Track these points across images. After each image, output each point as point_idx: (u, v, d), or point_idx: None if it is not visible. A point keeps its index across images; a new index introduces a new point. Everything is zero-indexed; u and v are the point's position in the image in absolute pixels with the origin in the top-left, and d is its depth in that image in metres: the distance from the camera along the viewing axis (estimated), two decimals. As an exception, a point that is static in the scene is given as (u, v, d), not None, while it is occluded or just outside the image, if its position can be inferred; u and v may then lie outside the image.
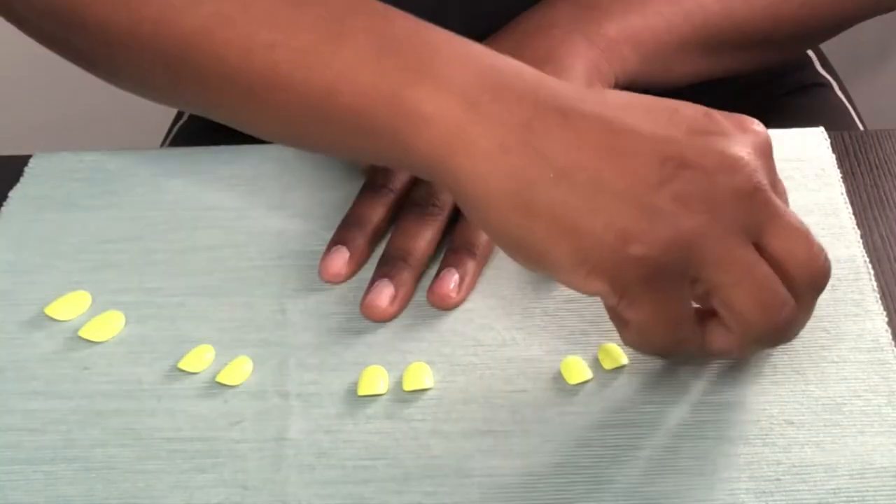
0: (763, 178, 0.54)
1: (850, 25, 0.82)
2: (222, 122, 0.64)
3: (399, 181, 0.67)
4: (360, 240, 0.65)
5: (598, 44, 0.73)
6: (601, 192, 0.52)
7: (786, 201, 0.56)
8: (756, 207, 0.53)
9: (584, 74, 0.72)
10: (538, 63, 0.71)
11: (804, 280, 0.55)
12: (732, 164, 0.53)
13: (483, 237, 0.64)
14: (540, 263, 0.55)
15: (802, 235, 0.54)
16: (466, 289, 0.63)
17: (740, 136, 0.54)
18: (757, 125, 0.56)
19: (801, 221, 0.55)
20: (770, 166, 0.55)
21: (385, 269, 0.63)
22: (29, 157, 0.74)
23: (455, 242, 0.65)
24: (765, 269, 0.53)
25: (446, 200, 0.66)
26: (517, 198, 0.53)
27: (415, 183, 0.67)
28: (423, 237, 0.64)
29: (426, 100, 0.55)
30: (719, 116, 0.55)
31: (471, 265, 0.64)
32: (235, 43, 0.59)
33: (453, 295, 0.63)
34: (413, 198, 0.66)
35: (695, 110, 0.55)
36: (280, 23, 0.59)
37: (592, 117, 0.54)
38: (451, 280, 0.63)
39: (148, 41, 0.61)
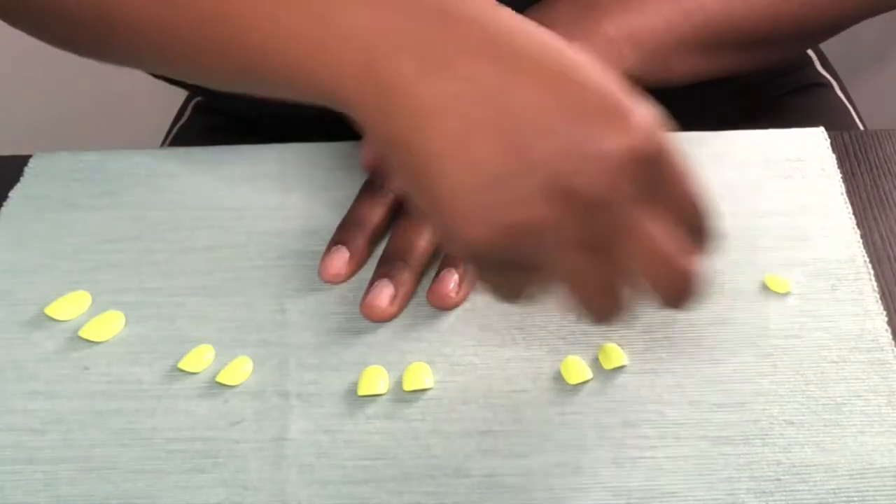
0: (619, 197, 0.50)
1: (851, 25, 0.82)
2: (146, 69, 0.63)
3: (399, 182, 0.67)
4: (360, 240, 0.65)
5: (597, 42, 0.73)
6: (454, 163, 0.50)
7: (676, 204, 0.52)
8: (604, 225, 0.50)
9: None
10: None
11: (656, 300, 0.52)
12: (588, 179, 0.49)
13: None
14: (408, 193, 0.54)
15: (655, 261, 0.51)
16: (466, 288, 0.63)
17: (614, 141, 0.50)
18: (639, 122, 0.50)
19: (663, 244, 0.51)
20: (642, 174, 0.50)
21: (385, 269, 0.63)
22: (29, 157, 0.74)
23: None
24: (599, 275, 0.51)
25: None
26: (394, 139, 0.52)
27: None
28: (423, 237, 0.64)
29: (329, 44, 0.53)
30: (602, 111, 0.50)
31: None
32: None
33: (453, 295, 0.63)
34: None
35: (595, 96, 0.51)
36: None
37: (478, 76, 0.51)
38: (451, 280, 0.63)
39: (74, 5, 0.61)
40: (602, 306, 0.52)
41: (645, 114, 0.51)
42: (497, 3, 0.54)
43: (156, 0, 0.58)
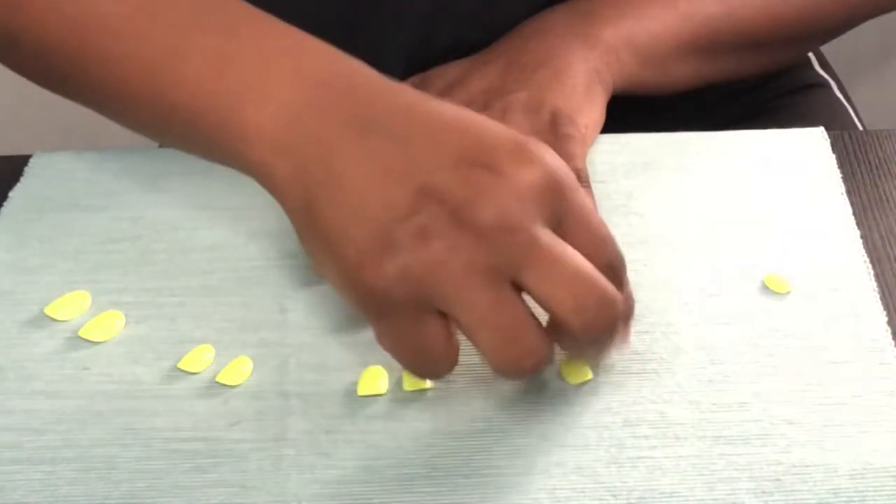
0: (524, 219, 0.50)
1: (852, 27, 0.82)
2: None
3: None
4: None
5: (595, 48, 0.73)
6: (358, 215, 0.51)
7: (583, 238, 0.52)
8: (510, 249, 0.50)
9: (583, 75, 0.72)
10: (537, 65, 0.72)
11: (573, 328, 0.51)
12: (488, 202, 0.50)
13: None
14: (322, 276, 0.55)
15: (569, 282, 0.50)
16: None
17: (515, 171, 0.50)
18: (543, 157, 0.51)
19: (577, 265, 0.51)
20: (548, 204, 0.51)
21: None
22: (29, 157, 0.74)
23: None
24: (511, 312, 0.51)
25: None
26: (305, 214, 0.53)
27: None
28: None
29: (250, 119, 0.55)
30: (502, 147, 0.51)
31: None
32: (93, 54, 0.61)
33: None
34: None
35: (485, 137, 0.52)
36: (134, 34, 0.60)
37: (385, 136, 0.53)
38: None
39: (19, 41, 0.64)
40: (511, 354, 0.52)
41: (548, 151, 0.51)
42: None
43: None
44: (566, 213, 0.52)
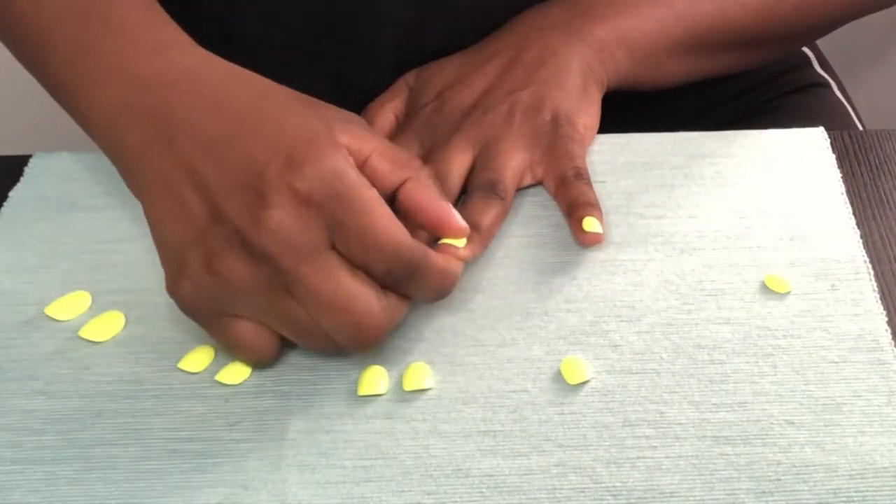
0: (283, 248, 0.54)
1: (843, 24, 0.83)
2: None
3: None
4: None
5: (591, 45, 0.74)
6: (162, 238, 0.57)
7: (356, 250, 0.55)
8: (276, 273, 0.55)
9: (580, 74, 0.72)
10: (536, 64, 0.72)
11: (339, 344, 0.57)
12: (255, 231, 0.54)
13: (487, 219, 0.65)
14: None
15: (322, 309, 0.55)
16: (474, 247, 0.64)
17: (281, 195, 0.54)
18: (312, 170, 0.54)
19: (331, 290, 0.55)
20: (316, 219, 0.54)
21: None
22: (29, 157, 0.74)
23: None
24: (291, 311, 0.56)
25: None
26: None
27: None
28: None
29: (87, 107, 0.63)
30: (272, 164, 0.54)
31: (475, 244, 0.64)
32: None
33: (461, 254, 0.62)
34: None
35: (259, 153, 0.55)
36: (35, 26, 0.66)
37: (192, 145, 0.56)
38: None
39: None
40: (314, 344, 0.57)
41: (321, 157, 0.54)
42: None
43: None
44: (338, 224, 0.55)
